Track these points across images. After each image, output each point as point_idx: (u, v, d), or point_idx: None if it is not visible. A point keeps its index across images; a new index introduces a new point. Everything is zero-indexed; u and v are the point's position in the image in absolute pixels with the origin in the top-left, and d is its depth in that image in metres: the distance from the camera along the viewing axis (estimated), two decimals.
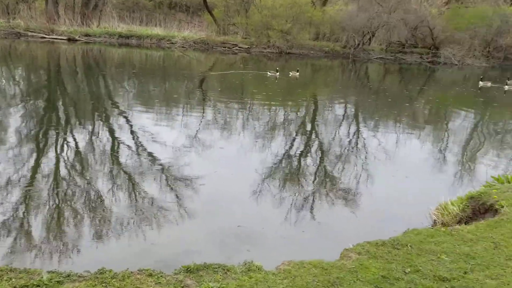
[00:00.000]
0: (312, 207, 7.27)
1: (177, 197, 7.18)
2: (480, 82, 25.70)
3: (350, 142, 12.15)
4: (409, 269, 4.08)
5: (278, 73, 24.14)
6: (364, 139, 12.35)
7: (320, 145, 11.60)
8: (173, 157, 9.13)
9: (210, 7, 44.61)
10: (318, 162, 9.95)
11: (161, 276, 3.91)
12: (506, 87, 24.63)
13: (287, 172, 9.01)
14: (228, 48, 38.76)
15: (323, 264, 4.16)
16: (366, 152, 10.93)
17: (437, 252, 4.43)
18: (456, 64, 39.20)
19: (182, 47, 37.26)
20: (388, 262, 4.20)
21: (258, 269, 4.00)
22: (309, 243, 5.88)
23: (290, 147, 10.93)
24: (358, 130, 13.53)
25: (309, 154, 10.50)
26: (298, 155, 10.34)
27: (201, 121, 12.92)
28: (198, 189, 7.48)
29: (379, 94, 22.24)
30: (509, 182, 7.22)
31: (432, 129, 14.34)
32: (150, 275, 3.92)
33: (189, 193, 7.34)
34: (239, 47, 38.91)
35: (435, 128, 14.56)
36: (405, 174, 9.38)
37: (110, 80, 20.09)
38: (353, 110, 17.39)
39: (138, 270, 4.01)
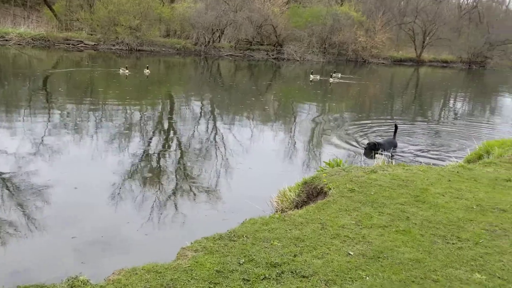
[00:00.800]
0: (164, 206, 7.07)
1: (22, 209, 6.54)
2: (311, 76, 28.01)
3: (207, 138, 12.24)
4: (243, 260, 4.10)
5: (127, 71, 23.14)
6: (221, 134, 12.55)
7: (178, 142, 11.45)
8: (16, 166, 8.32)
9: (49, 1, 40.82)
10: (174, 160, 9.82)
11: None
12: (331, 80, 27.27)
13: (147, 172, 8.74)
14: (73, 45, 36.01)
15: (157, 267, 3.96)
16: (221, 147, 11.11)
17: (271, 239, 4.56)
18: (298, 60, 42.18)
19: (18, 44, 33.49)
20: (223, 255, 4.18)
21: (84, 284, 3.64)
22: (152, 246, 5.64)
23: (148, 147, 10.62)
24: (214, 126, 13.68)
25: (166, 153, 10.29)
26: (156, 154, 10.09)
27: (47, 125, 11.92)
28: (47, 199, 6.92)
29: (232, 90, 22.76)
30: (338, 166, 7.87)
31: (281, 122, 15.11)
32: None
33: (36, 203, 6.74)
34: (85, 44, 36.43)
35: (283, 121, 15.36)
36: (252, 166, 9.69)
37: None
38: (208, 106, 17.48)
39: None
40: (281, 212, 6.70)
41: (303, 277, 3.93)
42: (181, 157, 10.14)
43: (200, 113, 15.77)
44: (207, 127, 13.56)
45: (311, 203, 6.51)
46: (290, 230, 4.82)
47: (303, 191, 6.71)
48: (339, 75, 29.60)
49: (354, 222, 5.10)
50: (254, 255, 4.21)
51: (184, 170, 9.14)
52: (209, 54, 40.68)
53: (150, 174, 8.64)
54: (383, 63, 48.37)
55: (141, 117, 14.23)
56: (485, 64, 52.89)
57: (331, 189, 6.18)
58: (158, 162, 9.62)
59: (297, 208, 6.55)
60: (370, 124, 14.78)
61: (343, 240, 4.64)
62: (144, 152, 10.06)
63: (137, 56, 36.18)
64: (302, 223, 4.99)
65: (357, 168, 7.23)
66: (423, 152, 11.21)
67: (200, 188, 8.24)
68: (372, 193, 5.99)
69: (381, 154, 10.07)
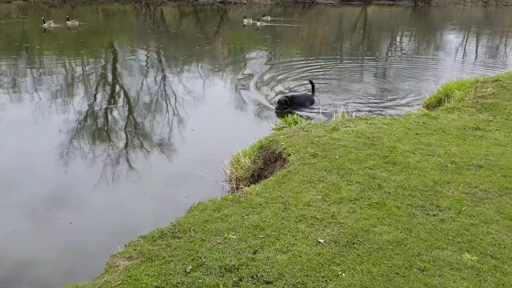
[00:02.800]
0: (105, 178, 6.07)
1: None
2: (245, 20, 26.50)
3: (155, 89, 11.35)
4: (191, 266, 3.20)
5: (54, 24, 20.80)
6: (168, 88, 11.59)
7: (125, 95, 10.66)
8: None
9: None
10: (120, 118, 9.07)
11: None
12: (258, 24, 25.80)
13: (94, 129, 8.20)
14: None
15: None
16: (169, 104, 10.24)
17: (224, 231, 3.66)
18: (245, 3, 40.00)
19: None
20: (165, 262, 3.25)
21: None
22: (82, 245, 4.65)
23: (94, 102, 9.83)
24: (163, 78, 12.61)
25: (114, 107, 9.64)
26: (103, 109, 9.41)
27: None
28: None
29: (178, 38, 21.04)
30: (296, 123, 6.98)
31: (231, 71, 13.90)
32: None
33: None
34: None
35: (233, 70, 14.14)
36: (202, 124, 8.65)
37: None
38: (154, 56, 15.96)
39: None
40: (236, 183, 5.83)
41: (267, 283, 3.09)
42: (128, 114, 9.31)
43: (146, 64, 14.34)
44: (155, 80, 12.38)
45: (269, 170, 5.64)
46: (247, 215, 3.92)
47: (259, 156, 5.80)
48: (269, 18, 28.12)
49: (320, 197, 4.27)
50: (205, 257, 3.31)
51: (131, 129, 8.32)
52: (150, 0, 37.71)
53: (96, 134, 7.98)
54: (331, 3, 46.91)
55: (83, 71, 12.91)
56: (430, 1, 52.70)
57: (290, 154, 5.30)
58: (103, 121, 8.84)
59: (253, 178, 5.68)
60: (320, 68, 13.85)
61: (310, 224, 3.81)
62: (88, 109, 9.31)
63: (72, 5, 32.91)
64: (260, 205, 4.11)
65: (317, 126, 6.37)
66: (377, 98, 10.49)
67: (145, 153, 7.22)
68: (337, 157, 5.16)
69: (294, 111, 9.08)
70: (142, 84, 11.76)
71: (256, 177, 5.69)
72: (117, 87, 11.42)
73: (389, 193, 4.41)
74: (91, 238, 4.75)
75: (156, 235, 3.57)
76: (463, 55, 18.67)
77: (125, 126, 8.44)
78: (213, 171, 6.36)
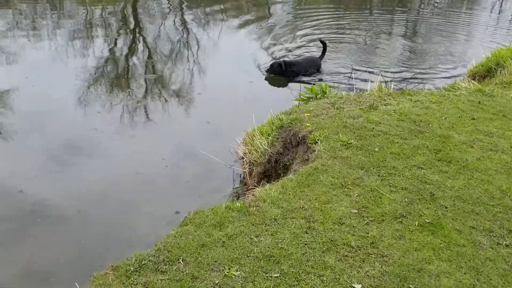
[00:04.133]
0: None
1: None
2: None
3: (177, 39, 10.45)
4: None
5: None
6: (187, 33, 10.73)
7: (146, 42, 9.98)
8: None
9: None
10: (145, 62, 8.73)
11: None
12: None
13: (114, 76, 7.94)
14: None
15: None
16: (186, 61, 9.15)
17: (225, 263, 2.66)
18: None
19: None
20: None
21: None
22: None
23: (114, 47, 9.37)
24: (184, 24, 11.62)
25: (135, 54, 9.20)
26: (124, 55, 8.99)
27: None
28: (11, 107, 6.42)
29: None
30: (324, 93, 5.78)
31: (255, 17, 12.46)
32: None
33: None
34: None
35: (257, 16, 12.67)
36: (211, 89, 7.51)
37: None
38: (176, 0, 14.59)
39: None
40: (249, 167, 4.79)
41: None
42: (146, 63, 8.77)
43: (169, 8, 13.10)
44: (174, 25, 11.46)
45: (289, 156, 4.57)
46: (257, 236, 2.90)
47: (278, 138, 4.70)
48: None
49: (356, 210, 3.20)
50: None
51: (149, 83, 7.75)
52: None
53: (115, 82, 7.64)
54: None
55: (102, 15, 11.95)
56: None
57: (317, 141, 4.18)
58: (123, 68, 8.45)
59: (270, 164, 4.63)
60: (348, 23, 12.26)
61: (342, 256, 2.78)
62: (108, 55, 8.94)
63: None
64: (276, 220, 3.07)
65: (350, 101, 5.17)
66: (412, 61, 9.04)
67: (142, 122, 6.27)
68: (376, 149, 4.03)
69: (292, 78, 7.81)
70: (159, 30, 11.04)
71: (273, 163, 4.63)
72: (136, 33, 10.78)
73: (446, 207, 3.31)
74: None
75: (132, 266, 2.58)
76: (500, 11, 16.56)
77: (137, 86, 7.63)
78: (222, 148, 5.35)
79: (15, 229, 4.09)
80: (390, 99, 5.27)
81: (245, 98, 7.31)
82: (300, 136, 4.49)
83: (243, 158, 4.97)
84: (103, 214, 4.49)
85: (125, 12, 12.43)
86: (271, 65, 7.85)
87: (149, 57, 9.06)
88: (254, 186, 4.75)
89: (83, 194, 4.67)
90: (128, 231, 4.30)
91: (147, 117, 6.48)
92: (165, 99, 7.14)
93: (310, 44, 9.80)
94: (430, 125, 4.57)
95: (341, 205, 3.24)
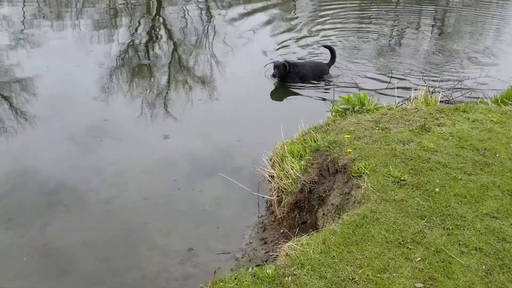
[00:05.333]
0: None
1: (9, 103, 6.12)
2: None
3: (201, 28, 10.04)
4: None
5: None
6: (215, 26, 10.09)
7: (168, 30, 9.73)
8: None
9: None
10: (168, 50, 8.55)
11: None
12: None
13: (136, 63, 7.81)
14: None
15: None
16: (208, 53, 8.58)
17: None
18: None
19: None
20: None
21: None
22: None
23: (135, 35, 9.21)
24: (209, 12, 11.20)
25: (157, 42, 8.99)
26: (145, 43, 8.82)
27: (24, 14, 10.16)
28: (35, 92, 6.46)
29: None
30: (363, 104, 4.97)
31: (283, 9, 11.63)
32: None
33: (23, 96, 6.36)
34: None
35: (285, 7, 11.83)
36: (230, 91, 6.76)
37: None
38: None
39: None
40: (277, 195, 4.07)
41: None
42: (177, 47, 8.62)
43: None
44: (206, 13, 11.07)
45: (326, 185, 3.84)
46: None
47: (312, 163, 3.95)
48: None
49: (422, 284, 2.46)
50: None
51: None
52: None
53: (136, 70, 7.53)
54: None
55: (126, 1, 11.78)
56: None
57: (361, 174, 3.43)
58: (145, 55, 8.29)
59: (303, 194, 3.90)
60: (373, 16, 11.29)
61: None
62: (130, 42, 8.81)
63: None
64: None
65: (396, 119, 4.38)
66: (446, 63, 8.08)
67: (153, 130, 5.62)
68: (436, 189, 3.26)
69: (292, 83, 6.91)
70: (185, 19, 10.60)
71: (306, 193, 3.90)
72: (160, 20, 10.48)
73: None
74: None
75: None
76: None
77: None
78: (244, 166, 4.67)
79: (35, 211, 4.10)
80: (443, 117, 4.45)
81: (268, 103, 6.58)
82: (340, 164, 3.74)
83: (270, 181, 4.26)
84: (108, 243, 3.87)
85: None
86: (276, 66, 6.73)
87: (171, 49, 8.67)
88: (284, 217, 4.06)
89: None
90: (135, 268, 3.67)
91: (159, 129, 5.70)
92: (180, 104, 6.46)
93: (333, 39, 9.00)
94: (497, 155, 3.76)
95: (401, 275, 2.51)
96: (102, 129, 5.55)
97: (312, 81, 7.03)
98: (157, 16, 10.77)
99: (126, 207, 4.28)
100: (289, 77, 6.83)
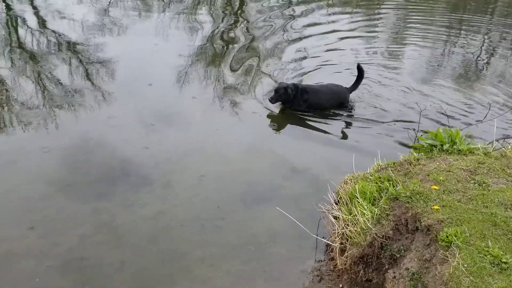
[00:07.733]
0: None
1: (91, 81, 6.51)
2: None
3: (282, 24, 9.48)
4: None
5: None
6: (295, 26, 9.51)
7: (248, 24, 9.53)
8: (83, 37, 8.00)
9: None
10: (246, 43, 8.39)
11: None
12: None
13: (213, 55, 7.81)
14: None
15: None
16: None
17: None
18: None
19: None
20: None
21: None
22: None
23: (218, 27, 9.23)
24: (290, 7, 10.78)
25: (238, 36, 8.80)
26: (226, 36, 8.78)
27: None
28: (115, 73, 6.82)
29: None
30: (454, 142, 4.20)
31: (364, 14, 10.83)
32: None
33: (105, 76, 6.68)
34: None
35: (367, 13, 10.99)
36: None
37: None
38: None
39: None
40: (340, 242, 3.50)
41: None
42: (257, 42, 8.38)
43: None
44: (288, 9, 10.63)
45: (401, 244, 3.22)
46: None
47: (388, 215, 3.32)
48: None
49: None
50: None
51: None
52: None
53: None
54: None
55: None
56: None
57: (451, 244, 2.77)
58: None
59: (372, 248, 3.31)
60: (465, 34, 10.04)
61: None
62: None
63: None
64: None
65: (497, 172, 3.59)
66: None
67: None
68: None
69: (296, 110, 5.96)
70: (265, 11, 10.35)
71: (377, 248, 3.28)
72: (242, 15, 10.30)
73: None
74: None
75: None
76: None
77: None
78: (306, 193, 4.16)
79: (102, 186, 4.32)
80: None
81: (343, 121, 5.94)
82: (422, 223, 3.08)
83: (333, 223, 3.68)
84: (145, 268, 3.52)
85: None
86: (276, 90, 5.80)
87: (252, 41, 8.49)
88: (345, 269, 3.48)
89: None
90: None
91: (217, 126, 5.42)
92: (236, 113, 5.96)
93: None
94: None
95: None
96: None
97: (328, 111, 5.98)
98: (239, 11, 10.57)
99: (172, 227, 3.92)
100: (294, 104, 5.86)
